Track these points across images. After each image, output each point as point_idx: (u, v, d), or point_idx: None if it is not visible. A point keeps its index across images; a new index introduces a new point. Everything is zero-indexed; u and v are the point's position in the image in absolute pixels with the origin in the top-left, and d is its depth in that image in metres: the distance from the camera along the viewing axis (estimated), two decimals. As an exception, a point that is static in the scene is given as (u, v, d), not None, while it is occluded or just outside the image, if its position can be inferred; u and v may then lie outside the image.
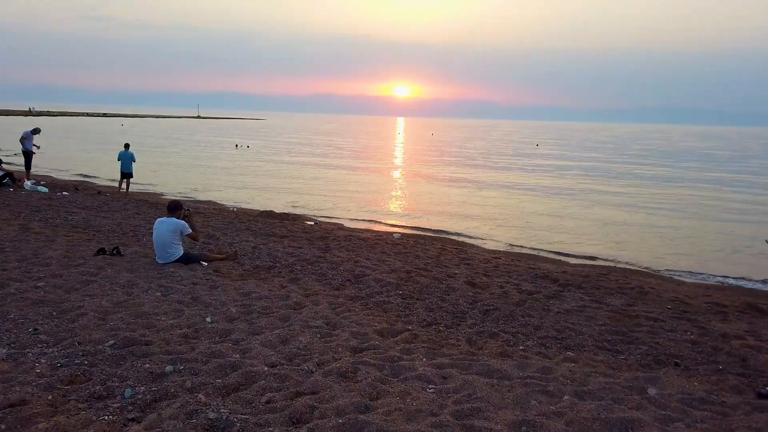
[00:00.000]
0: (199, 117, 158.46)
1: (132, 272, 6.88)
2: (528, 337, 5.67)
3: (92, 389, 3.72)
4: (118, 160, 17.77)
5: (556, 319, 6.27)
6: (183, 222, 7.59)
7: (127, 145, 18.09)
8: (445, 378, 4.34)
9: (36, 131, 17.70)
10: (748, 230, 15.77)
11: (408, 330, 5.58)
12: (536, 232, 14.64)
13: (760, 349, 5.59)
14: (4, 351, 4.24)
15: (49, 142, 40.79)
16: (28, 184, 15.88)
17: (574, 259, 11.89)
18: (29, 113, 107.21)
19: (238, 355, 4.51)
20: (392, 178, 27.61)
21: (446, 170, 31.15)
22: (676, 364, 5.13)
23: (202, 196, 18.74)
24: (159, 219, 7.65)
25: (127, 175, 17.83)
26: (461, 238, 13.55)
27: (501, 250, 12.43)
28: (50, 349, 4.37)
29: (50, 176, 21.60)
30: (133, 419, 3.39)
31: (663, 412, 3.91)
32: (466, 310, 6.45)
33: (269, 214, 14.67)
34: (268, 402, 3.71)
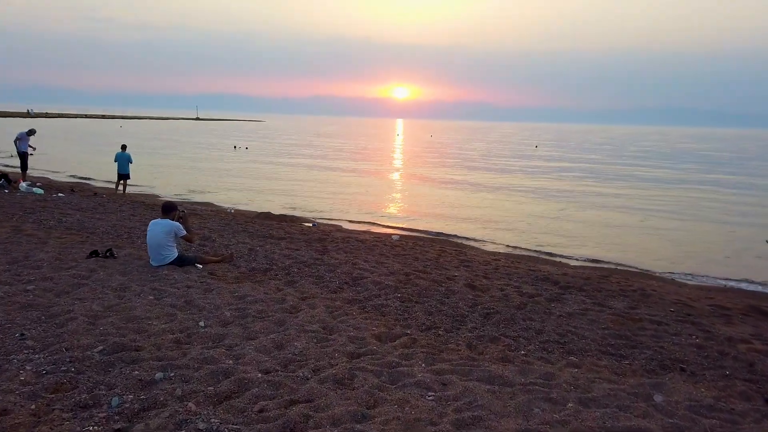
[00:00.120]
0: (197, 119, 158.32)
1: (125, 275, 6.73)
2: (529, 341, 5.53)
3: (78, 398, 3.58)
4: (115, 161, 17.63)
5: (557, 323, 6.13)
6: (177, 223, 7.45)
7: (124, 147, 17.95)
8: (444, 385, 4.21)
9: (31, 132, 17.55)
10: (748, 232, 15.66)
11: (407, 334, 5.44)
12: (536, 233, 14.51)
13: (767, 353, 5.47)
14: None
15: (47, 143, 40.67)
16: (23, 185, 15.74)
17: (574, 261, 11.77)
18: (28, 115, 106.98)
19: (231, 361, 4.37)
20: (391, 179, 27.48)
21: (445, 172, 31.03)
22: (682, 370, 5.00)
23: (199, 198, 18.59)
24: (153, 220, 7.50)
25: (124, 176, 17.69)
26: (460, 240, 13.42)
27: (501, 251, 12.30)
28: (36, 356, 4.22)
29: (47, 178, 21.45)
30: (119, 430, 3.25)
31: (670, 421, 3.78)
32: (466, 313, 6.32)
33: (267, 216, 14.52)
34: (261, 411, 3.57)
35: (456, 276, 8.24)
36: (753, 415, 4.04)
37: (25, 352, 4.29)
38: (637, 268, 11.35)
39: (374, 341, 5.15)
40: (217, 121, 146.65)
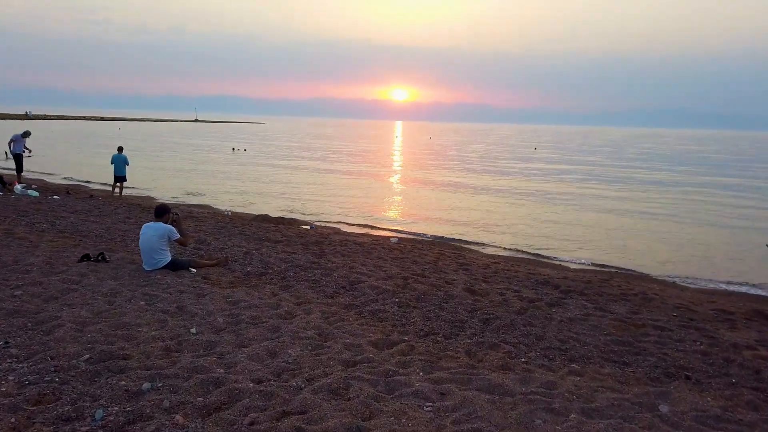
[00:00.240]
0: (197, 121, 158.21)
1: (116, 280, 6.58)
2: (530, 348, 5.39)
3: (61, 410, 3.43)
4: (112, 163, 17.49)
5: (559, 329, 5.99)
6: (171, 227, 7.30)
7: (120, 148, 17.81)
8: (443, 395, 4.07)
9: (26, 134, 17.39)
10: (748, 235, 15.55)
11: (404, 341, 5.30)
12: (535, 236, 14.38)
13: (773, 360, 5.33)
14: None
15: (45, 145, 40.50)
16: (18, 187, 15.59)
17: (574, 264, 11.64)
18: (26, 117, 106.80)
19: (222, 370, 4.22)
20: (390, 182, 27.36)
21: (444, 174, 30.92)
22: (687, 378, 4.86)
23: (196, 200, 18.45)
24: (146, 224, 7.35)
25: (120, 178, 17.54)
26: (459, 243, 13.29)
27: (500, 254, 12.17)
28: (20, 365, 4.07)
29: (43, 180, 21.31)
30: (102, 444, 3.11)
31: (677, 432, 3.65)
32: (465, 319, 6.18)
33: (264, 218, 14.38)
34: (251, 424, 3.43)
35: (455, 280, 8.10)
36: (762, 426, 3.91)
37: (9, 361, 4.14)
38: (637, 271, 11.23)
39: (371, 348, 5.01)
40: (216, 123, 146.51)
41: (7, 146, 17.10)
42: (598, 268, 11.31)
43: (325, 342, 5.07)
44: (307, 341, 5.01)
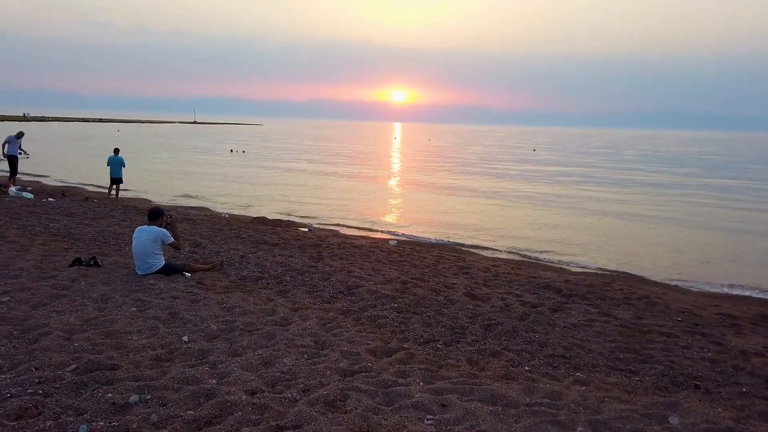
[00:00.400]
0: (195, 122, 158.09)
1: (108, 285, 6.41)
2: (533, 355, 5.23)
3: (42, 425, 3.26)
4: (108, 165, 17.32)
5: (562, 335, 5.83)
6: (164, 230, 7.13)
7: (116, 150, 17.64)
8: (444, 406, 3.90)
9: (20, 135, 17.19)
10: (747, 237, 15.43)
11: (403, 349, 5.14)
12: (535, 239, 14.23)
13: (784, 368, 5.18)
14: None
15: (44, 147, 40.32)
16: (13, 189, 15.41)
17: (575, 267, 11.49)
18: (24, 118, 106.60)
19: (214, 381, 4.06)
20: (389, 184, 27.21)
21: (443, 176, 30.78)
22: (696, 387, 4.70)
23: (193, 202, 18.28)
24: (139, 227, 7.19)
25: (116, 180, 17.38)
26: (459, 245, 13.13)
27: (500, 257, 12.01)
28: (3, 376, 3.90)
29: (39, 182, 21.13)
30: (84, 463, 2.94)
31: (689, 447, 3.48)
32: (466, 325, 6.01)
33: (262, 221, 14.21)
34: (243, 439, 3.26)
35: (455, 284, 7.94)
36: (776, 438, 3.75)
37: (-9, 371, 3.98)
38: (638, 274, 11.09)
39: (369, 356, 4.84)
40: (215, 125, 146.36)
41: (1, 148, 16.87)
42: (599, 272, 11.17)
43: (322, 350, 4.91)
44: (303, 349, 4.84)
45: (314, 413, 3.62)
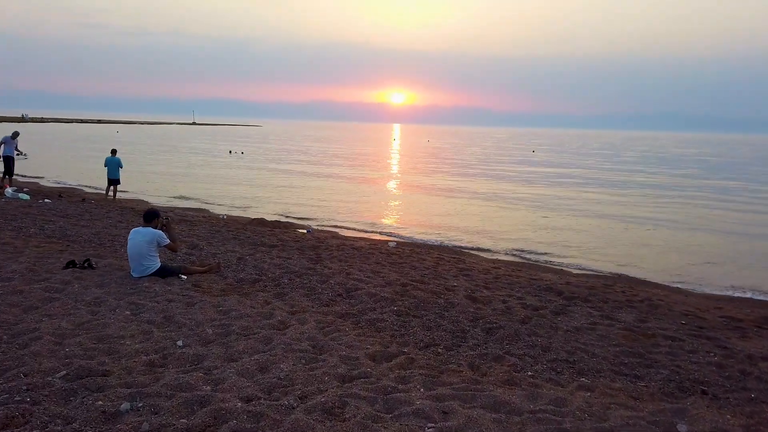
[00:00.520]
0: (194, 123, 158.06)
1: (102, 288, 6.29)
2: (536, 360, 5.12)
3: (29, 435, 3.14)
4: (105, 166, 17.21)
5: (565, 339, 5.72)
6: (160, 232, 7.01)
7: (114, 151, 17.53)
8: (445, 413, 3.78)
9: (15, 135, 17.05)
10: (746, 239, 15.33)
11: (403, 353, 5.02)
12: (535, 241, 14.12)
13: (792, 373, 5.07)
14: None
15: (41, 148, 40.18)
16: (9, 191, 15.28)
17: (575, 269, 11.39)
18: (22, 119, 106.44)
19: (208, 387, 3.94)
20: (388, 185, 27.10)
21: (443, 178, 30.69)
22: (704, 393, 4.59)
23: (191, 204, 18.16)
24: (134, 229, 7.07)
25: (114, 181, 17.26)
26: (458, 247, 13.02)
27: (500, 259, 11.91)
28: (-10, 383, 3.78)
29: (36, 183, 21.00)
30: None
31: (700, 457, 3.37)
32: (467, 328, 5.90)
33: (260, 222, 14.10)
34: (237, 449, 3.14)
35: (455, 286, 7.82)
36: (788, 447, 3.64)
37: (-22, 378, 3.85)
38: (639, 276, 10.99)
39: (368, 362, 4.72)
40: (214, 126, 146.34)
41: None
42: (599, 273, 11.07)
43: (320, 355, 4.79)
44: (301, 354, 4.72)
45: (312, 421, 3.51)
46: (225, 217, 15.07)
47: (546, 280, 8.88)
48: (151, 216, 7.09)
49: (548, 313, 6.71)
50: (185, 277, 7.05)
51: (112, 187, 17.32)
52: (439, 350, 5.25)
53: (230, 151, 46.68)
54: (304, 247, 10.32)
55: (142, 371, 4.15)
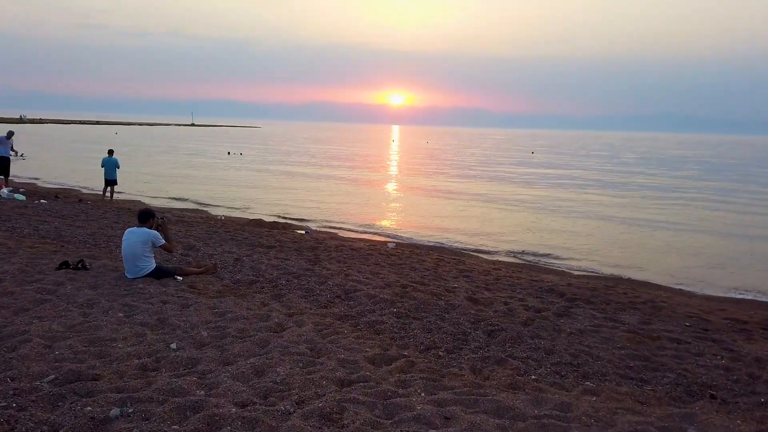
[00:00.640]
0: (193, 125, 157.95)
1: (95, 289, 6.15)
2: (540, 363, 4.99)
3: (13, 442, 3.01)
4: (102, 166, 17.09)
5: (569, 341, 5.60)
6: (155, 232, 6.88)
7: (111, 151, 17.40)
8: (447, 419, 3.66)
9: (10, 135, 16.89)
10: (748, 240, 15.23)
11: (404, 356, 4.89)
12: (534, 242, 14.00)
13: (801, 376, 4.94)
14: None
15: (39, 149, 40.01)
16: (4, 191, 15.13)
17: (576, 270, 11.27)
18: (20, 120, 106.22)
19: (202, 392, 3.81)
20: (387, 187, 26.99)
21: (442, 179, 30.58)
22: (712, 397, 4.47)
23: (189, 204, 18.02)
24: (128, 229, 6.94)
25: (111, 182, 17.14)
26: (458, 248, 12.90)
27: (500, 260, 11.79)
28: (-25, 388, 3.65)
29: (33, 184, 20.85)
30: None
31: (712, 464, 3.25)
32: (469, 330, 5.77)
33: (258, 223, 13.97)
34: (231, 457, 3.01)
35: (456, 288, 7.70)
36: (802, 453, 3.52)
37: (-36, 382, 3.72)
38: (640, 277, 10.88)
39: (367, 365, 4.60)
40: (212, 127, 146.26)
41: None
42: (601, 274, 10.96)
43: (318, 358, 4.66)
44: (298, 357, 4.59)
45: (309, 427, 3.38)
46: (223, 217, 14.93)
47: (547, 282, 8.77)
48: (146, 216, 6.96)
49: (551, 315, 6.59)
50: (181, 278, 6.92)
51: (109, 188, 17.19)
52: (440, 353, 5.12)
53: (229, 152, 46.54)
54: (303, 248, 10.19)
55: (133, 375, 4.02)
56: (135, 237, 6.72)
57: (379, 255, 10.07)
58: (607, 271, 11.34)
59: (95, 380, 3.87)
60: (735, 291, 10.27)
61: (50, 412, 3.38)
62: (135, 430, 3.20)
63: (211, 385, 3.93)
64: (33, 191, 17.27)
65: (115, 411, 3.39)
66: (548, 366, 4.92)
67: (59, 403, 3.51)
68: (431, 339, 5.46)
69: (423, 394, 4.07)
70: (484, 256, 12.15)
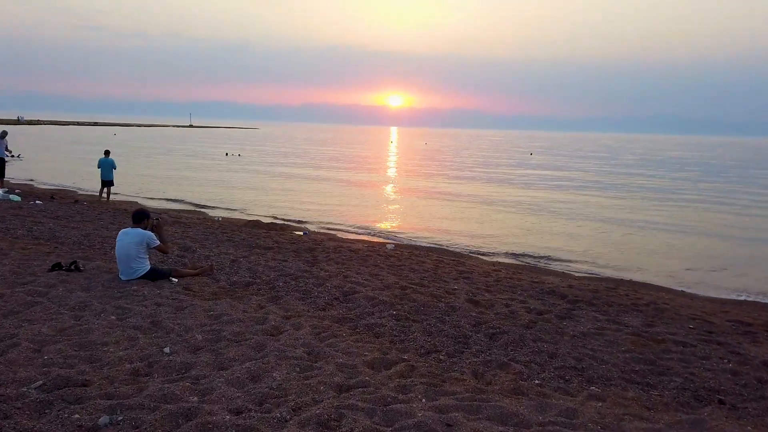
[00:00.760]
0: (191, 126, 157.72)
1: (87, 291, 6.01)
2: (543, 367, 4.87)
3: (-4, 452, 2.88)
4: (98, 167, 16.95)
5: (572, 345, 5.47)
6: (150, 233, 6.75)
7: (107, 152, 17.26)
8: (449, 426, 3.53)
9: (4, 134, 16.73)
10: (747, 241, 15.15)
11: (404, 360, 4.76)
12: (534, 243, 13.89)
13: (810, 380, 4.83)
14: None
15: (37, 150, 39.82)
16: (0, 192, 14.99)
17: (577, 272, 11.17)
18: (18, 122, 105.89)
19: (195, 398, 3.67)
20: (386, 188, 26.87)
21: (441, 180, 30.47)
22: (721, 402, 4.35)
23: (186, 205, 17.88)
24: (123, 230, 6.80)
25: (107, 183, 17.01)
26: (458, 249, 12.78)
27: (500, 261, 11.68)
28: (-40, 394, 3.51)
29: (29, 185, 20.69)
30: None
31: (724, 474, 3.13)
32: (470, 333, 5.65)
33: (256, 224, 13.83)
34: (224, 468, 2.88)
35: (456, 289, 7.58)
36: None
37: (-52, 389, 3.58)
38: (641, 279, 10.78)
39: (366, 369, 4.47)
40: (210, 129, 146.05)
41: None
42: (602, 275, 10.86)
43: (315, 362, 4.53)
44: (295, 361, 4.46)
45: (306, 436, 3.25)
46: (220, 219, 14.80)
47: (548, 283, 8.65)
48: (140, 216, 6.83)
49: (553, 317, 6.47)
50: (176, 280, 6.79)
51: (105, 189, 17.06)
52: (441, 357, 5.00)
53: (227, 154, 46.39)
54: (301, 249, 10.06)
55: (124, 381, 3.88)
56: (129, 238, 6.59)
57: (377, 256, 9.94)
58: (608, 272, 11.24)
59: (84, 386, 3.74)
60: (736, 293, 10.18)
61: (36, 420, 3.25)
62: (124, 438, 3.07)
63: (204, 390, 3.80)
64: (29, 192, 17.12)
65: (104, 419, 3.26)
66: (552, 370, 4.80)
67: (46, 411, 3.38)
68: (432, 342, 5.34)
69: (424, 399, 3.94)
70: (484, 258, 12.04)
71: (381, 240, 13.39)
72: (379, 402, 3.82)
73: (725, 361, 5.28)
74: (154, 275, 6.72)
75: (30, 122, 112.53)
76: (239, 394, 3.77)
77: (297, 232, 13.15)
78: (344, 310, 6.25)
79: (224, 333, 5.01)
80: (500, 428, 3.54)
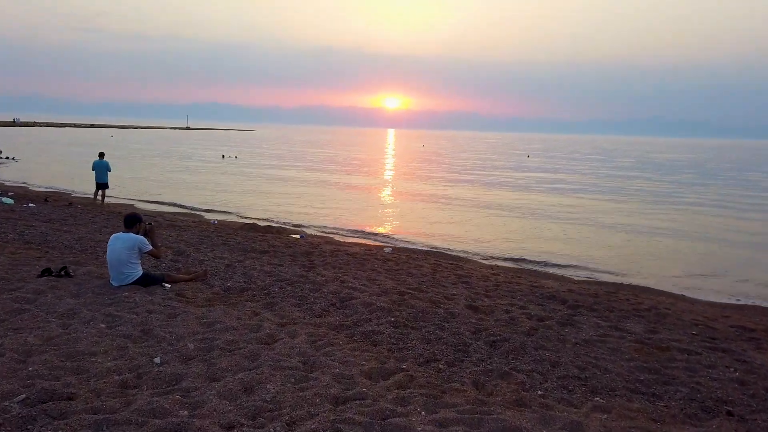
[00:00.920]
0: (188, 128, 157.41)
1: (77, 298, 5.86)
2: (545, 377, 4.73)
3: (-28, 473, 2.72)
4: (93, 170, 16.76)
5: (575, 353, 5.34)
6: (142, 238, 6.59)
7: (101, 154, 17.07)
8: (450, 441, 3.39)
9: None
10: (747, 244, 15.07)
11: (402, 370, 4.62)
12: (532, 246, 13.76)
13: (819, 390, 4.71)
14: None
15: (33, 152, 39.57)
16: (-8, 195, 14.82)
17: (576, 276, 11.05)
18: (14, 124, 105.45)
19: (185, 412, 3.53)
20: (383, 191, 26.74)
21: (438, 183, 30.36)
22: (729, 414, 4.22)
23: (182, 208, 17.70)
24: (114, 234, 6.64)
25: (102, 185, 16.81)
26: (456, 253, 12.65)
27: (499, 265, 11.55)
28: (-62, 409, 3.36)
29: (24, 187, 20.49)
30: None
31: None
32: (470, 341, 5.51)
33: (252, 227, 13.67)
34: (214, 489, 2.74)
35: (455, 295, 7.45)
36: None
37: (-74, 403, 3.43)
38: (640, 283, 10.67)
39: (364, 380, 4.33)
40: (207, 131, 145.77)
41: None
42: (601, 280, 10.74)
43: (311, 372, 4.39)
44: (290, 372, 4.32)
45: (300, 453, 3.11)
46: (216, 222, 14.64)
47: (548, 288, 8.53)
48: (132, 221, 6.67)
49: (554, 323, 6.34)
50: (169, 286, 6.63)
51: (100, 192, 16.87)
52: (441, 366, 4.86)
53: (224, 156, 46.20)
54: (297, 253, 9.92)
55: (112, 394, 3.73)
56: (120, 243, 6.43)
57: (375, 260, 9.80)
58: (607, 276, 11.13)
59: (70, 399, 3.59)
60: (736, 297, 10.08)
61: (17, 437, 3.09)
62: (109, 457, 2.92)
63: (195, 404, 3.65)
64: (22, 195, 16.94)
65: (88, 435, 3.11)
66: (554, 380, 4.67)
67: (29, 427, 3.23)
68: (431, 350, 5.20)
69: (423, 412, 3.80)
70: (482, 261, 11.91)
71: (378, 243, 13.25)
72: (377, 415, 3.68)
73: (731, 369, 5.16)
74: (147, 281, 6.57)
75: (26, 124, 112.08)
76: (231, 408, 3.63)
77: (293, 236, 13.00)
78: (341, 316, 6.11)
79: (217, 342, 4.86)
80: (503, 443, 3.41)
